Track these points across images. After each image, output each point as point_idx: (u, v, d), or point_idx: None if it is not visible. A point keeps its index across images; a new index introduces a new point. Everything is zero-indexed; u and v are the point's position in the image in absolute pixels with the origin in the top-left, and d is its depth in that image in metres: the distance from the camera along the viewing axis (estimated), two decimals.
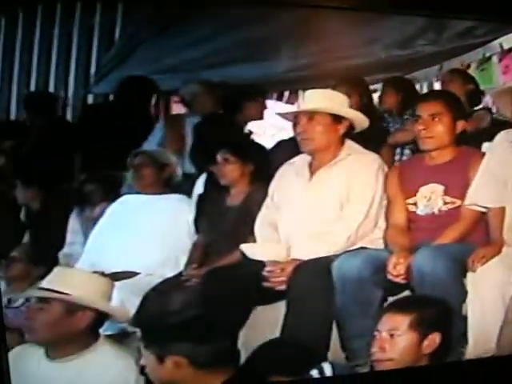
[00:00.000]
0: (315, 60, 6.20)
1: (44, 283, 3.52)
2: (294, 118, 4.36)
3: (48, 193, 5.50)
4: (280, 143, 5.43)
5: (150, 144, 5.61)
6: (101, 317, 3.51)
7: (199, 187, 5.21)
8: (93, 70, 7.41)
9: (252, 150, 4.85)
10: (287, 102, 7.26)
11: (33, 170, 5.63)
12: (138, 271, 4.77)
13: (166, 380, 3.21)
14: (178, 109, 6.89)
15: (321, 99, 4.29)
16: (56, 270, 3.61)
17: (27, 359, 3.48)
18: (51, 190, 5.52)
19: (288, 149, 4.79)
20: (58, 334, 3.39)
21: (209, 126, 5.53)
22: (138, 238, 4.89)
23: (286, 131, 5.73)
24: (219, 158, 4.74)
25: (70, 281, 3.49)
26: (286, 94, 7.40)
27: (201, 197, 5.07)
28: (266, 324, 4.12)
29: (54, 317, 3.40)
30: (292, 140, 4.66)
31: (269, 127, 6.71)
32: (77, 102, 7.41)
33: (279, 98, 7.33)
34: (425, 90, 6.74)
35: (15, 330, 4.15)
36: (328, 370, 3.32)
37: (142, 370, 3.27)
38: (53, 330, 3.39)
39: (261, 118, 5.88)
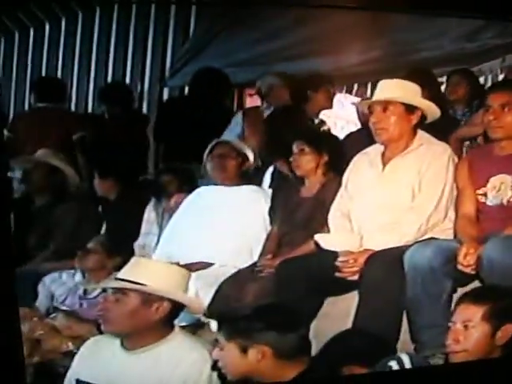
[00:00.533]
0: (384, 53, 6.14)
1: (121, 274, 3.46)
2: (368, 108, 4.32)
3: (124, 184, 5.55)
4: (349, 135, 5.42)
5: (229, 137, 5.58)
6: (177, 308, 3.44)
7: (267, 179, 5.23)
8: (168, 63, 7.45)
9: (326, 140, 4.80)
10: (356, 95, 7.21)
11: (110, 162, 5.69)
12: (212, 262, 4.78)
13: (245, 371, 3.17)
14: (252, 102, 6.94)
15: (395, 89, 4.25)
16: (133, 260, 3.55)
17: (102, 350, 3.49)
18: (128, 182, 5.58)
19: (358, 140, 4.79)
20: (133, 325, 3.34)
21: (281, 117, 5.50)
22: (213, 229, 4.89)
23: (353, 124, 5.72)
24: (295, 148, 4.70)
25: (147, 271, 3.42)
26: (356, 87, 7.36)
27: (275, 188, 5.07)
28: (336, 315, 4.11)
29: (130, 308, 3.33)
30: (360, 132, 4.59)
31: (338, 120, 6.68)
32: (152, 95, 7.46)
33: (349, 91, 7.26)
34: (489, 83, 6.61)
35: (91, 321, 4.40)
36: (407, 361, 3.24)
37: (215, 365, 3.25)
38: (129, 321, 3.34)
39: (330, 107, 5.83)
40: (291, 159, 4.72)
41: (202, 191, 5.14)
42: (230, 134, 5.67)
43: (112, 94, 6.62)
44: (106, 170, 5.55)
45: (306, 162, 4.65)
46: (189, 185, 5.36)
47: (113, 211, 5.53)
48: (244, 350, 3.13)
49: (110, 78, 7.70)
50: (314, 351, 3.40)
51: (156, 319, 3.36)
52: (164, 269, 3.55)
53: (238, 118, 5.85)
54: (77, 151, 6.06)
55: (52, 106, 6.31)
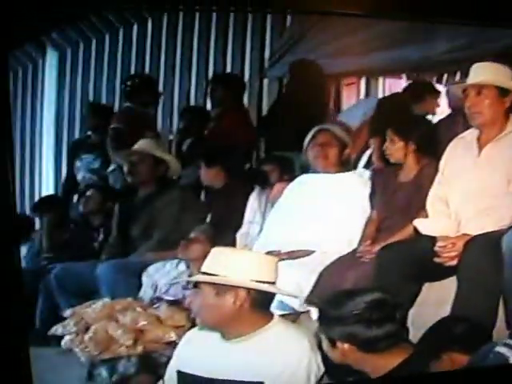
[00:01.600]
0: (472, 41, 5.94)
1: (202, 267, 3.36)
2: (463, 92, 4.22)
3: (230, 173, 5.50)
4: (440, 121, 5.27)
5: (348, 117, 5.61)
6: (262, 296, 3.31)
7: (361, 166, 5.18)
8: (267, 55, 7.39)
9: (415, 128, 4.67)
10: (446, 84, 6.99)
11: (216, 151, 5.63)
12: (313, 249, 4.70)
13: (340, 361, 3.14)
14: (349, 91, 6.96)
15: (488, 72, 4.17)
16: (213, 251, 3.40)
17: (202, 340, 3.42)
18: (234, 171, 5.52)
19: (448, 126, 4.75)
20: (219, 317, 3.27)
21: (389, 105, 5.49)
22: (314, 217, 4.81)
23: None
24: (387, 136, 4.65)
25: (225, 262, 3.28)
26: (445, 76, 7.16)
27: (374, 174, 4.99)
28: (434, 301, 4.03)
29: (206, 301, 3.25)
30: (451, 117, 4.59)
31: None
32: (253, 86, 7.40)
33: (439, 81, 7.07)
34: None
35: None
36: None
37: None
38: (211, 313, 3.26)
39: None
40: (384, 147, 4.68)
41: (303, 179, 5.07)
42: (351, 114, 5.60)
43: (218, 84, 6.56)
44: (214, 159, 5.49)
45: (396, 150, 4.60)
46: (290, 173, 5.35)
47: (217, 200, 5.49)
48: (333, 343, 3.10)
49: (210, 71, 7.66)
50: (413, 338, 3.38)
51: (238, 309, 3.25)
52: (243, 257, 3.38)
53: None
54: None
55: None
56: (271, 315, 3.39)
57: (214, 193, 5.59)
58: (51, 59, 8.28)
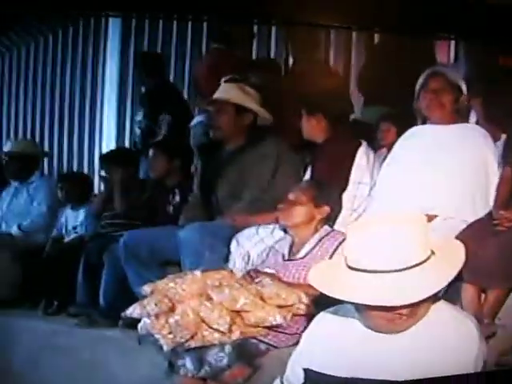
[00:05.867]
0: None
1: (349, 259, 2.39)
2: None
3: (334, 123, 4.45)
4: None
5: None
6: None
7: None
8: None
9: None
10: None
11: (318, 97, 4.61)
12: (434, 214, 3.81)
13: None
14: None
15: None
16: (354, 234, 2.38)
17: (339, 329, 2.48)
18: (338, 120, 4.50)
19: None
20: None
21: None
22: (431, 177, 4.00)
23: None
24: None
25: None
26: None
27: None
28: None
29: None
30: None
31: None
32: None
33: None
34: None
35: (301, 287, 3.56)
36: None
37: None
38: None
39: None
40: None
41: (416, 131, 4.21)
42: None
43: None
44: (315, 107, 4.42)
45: None
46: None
47: (319, 156, 4.44)
48: None
49: None
50: None
51: None
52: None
53: None
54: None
55: None
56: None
57: (315, 147, 4.53)
58: None
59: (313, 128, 4.44)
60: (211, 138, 4.60)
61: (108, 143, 7.29)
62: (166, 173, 5.06)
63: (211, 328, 3.32)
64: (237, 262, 4.07)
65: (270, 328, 3.45)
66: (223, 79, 5.27)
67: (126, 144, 7.08)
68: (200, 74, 5.68)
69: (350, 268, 2.30)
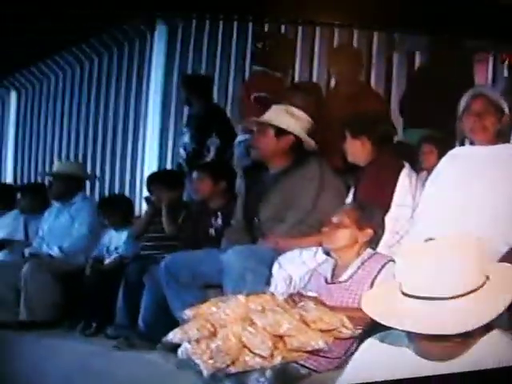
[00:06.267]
0: None
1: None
2: None
3: (378, 146, 4.37)
4: None
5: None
6: None
7: None
8: None
9: None
10: None
11: (362, 118, 4.56)
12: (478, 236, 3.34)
13: None
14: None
15: None
16: (407, 261, 2.32)
17: (388, 356, 2.38)
18: (382, 143, 4.40)
19: None
20: None
21: None
22: (478, 196, 3.87)
23: None
24: None
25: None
26: None
27: None
28: None
29: None
30: None
31: None
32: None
33: None
34: None
35: (345, 310, 3.56)
36: None
37: None
38: None
39: None
40: None
41: (457, 153, 4.10)
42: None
43: None
44: (360, 127, 4.36)
45: None
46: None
47: (363, 178, 4.34)
48: None
49: None
50: None
51: None
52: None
53: None
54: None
55: None
56: None
57: (359, 170, 4.43)
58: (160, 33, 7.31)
59: (357, 150, 4.36)
60: (252, 158, 4.55)
61: (150, 165, 7.24)
62: (211, 195, 4.99)
63: (253, 353, 3.26)
64: (279, 285, 3.97)
65: (311, 352, 3.39)
66: (253, 95, 5.26)
67: (168, 166, 7.04)
68: (242, 96, 5.62)
69: (406, 295, 2.23)
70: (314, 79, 6.59)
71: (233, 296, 3.49)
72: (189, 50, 7.06)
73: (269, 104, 4.84)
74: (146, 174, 7.22)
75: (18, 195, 6.62)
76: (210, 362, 3.28)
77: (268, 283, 4.06)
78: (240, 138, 5.50)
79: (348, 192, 4.45)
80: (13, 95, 8.88)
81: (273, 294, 3.63)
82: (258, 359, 3.27)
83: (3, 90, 9.02)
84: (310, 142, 4.54)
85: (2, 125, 9.05)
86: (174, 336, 3.39)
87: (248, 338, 3.24)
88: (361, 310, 3.55)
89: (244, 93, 5.52)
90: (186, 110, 6.82)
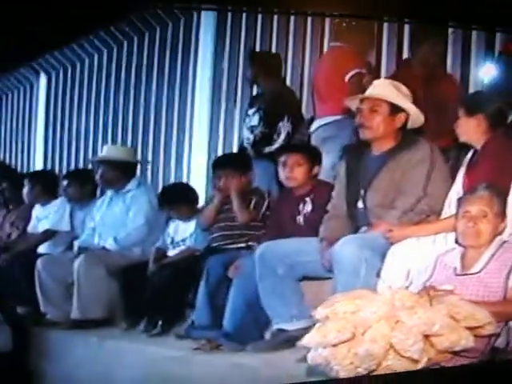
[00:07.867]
0: None
1: None
2: None
3: (494, 125, 3.96)
4: None
5: None
6: None
7: None
8: None
9: None
10: None
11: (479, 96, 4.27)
12: None
13: None
14: None
15: None
16: None
17: None
18: (498, 122, 3.99)
19: None
20: None
21: None
22: None
23: None
24: None
25: None
26: None
27: None
28: None
29: None
30: None
31: None
32: None
33: None
34: None
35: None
36: None
37: None
38: None
39: None
40: None
41: None
42: None
43: None
44: (477, 105, 3.96)
45: None
46: None
47: (478, 160, 3.92)
48: None
49: None
50: None
51: None
52: None
53: None
54: None
55: None
56: None
57: (468, 151, 4.05)
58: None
59: (472, 130, 3.98)
60: (360, 139, 4.13)
61: (199, 150, 6.81)
62: (306, 181, 4.53)
63: (401, 355, 2.89)
64: (394, 278, 3.62)
65: (455, 352, 3.03)
66: (348, 75, 4.88)
67: (219, 151, 6.61)
68: (320, 75, 5.20)
69: None
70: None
71: (372, 291, 3.12)
72: (241, 26, 6.59)
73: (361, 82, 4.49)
74: (195, 160, 6.88)
75: (64, 183, 6.20)
76: (350, 367, 2.91)
77: (378, 275, 3.71)
78: (319, 122, 5.11)
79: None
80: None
81: (406, 288, 3.27)
82: (403, 362, 2.91)
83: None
84: (422, 120, 4.16)
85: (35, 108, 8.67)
86: (310, 340, 2.98)
87: (398, 340, 2.87)
88: (501, 304, 3.24)
89: (330, 71, 5.07)
90: (240, 91, 6.44)
